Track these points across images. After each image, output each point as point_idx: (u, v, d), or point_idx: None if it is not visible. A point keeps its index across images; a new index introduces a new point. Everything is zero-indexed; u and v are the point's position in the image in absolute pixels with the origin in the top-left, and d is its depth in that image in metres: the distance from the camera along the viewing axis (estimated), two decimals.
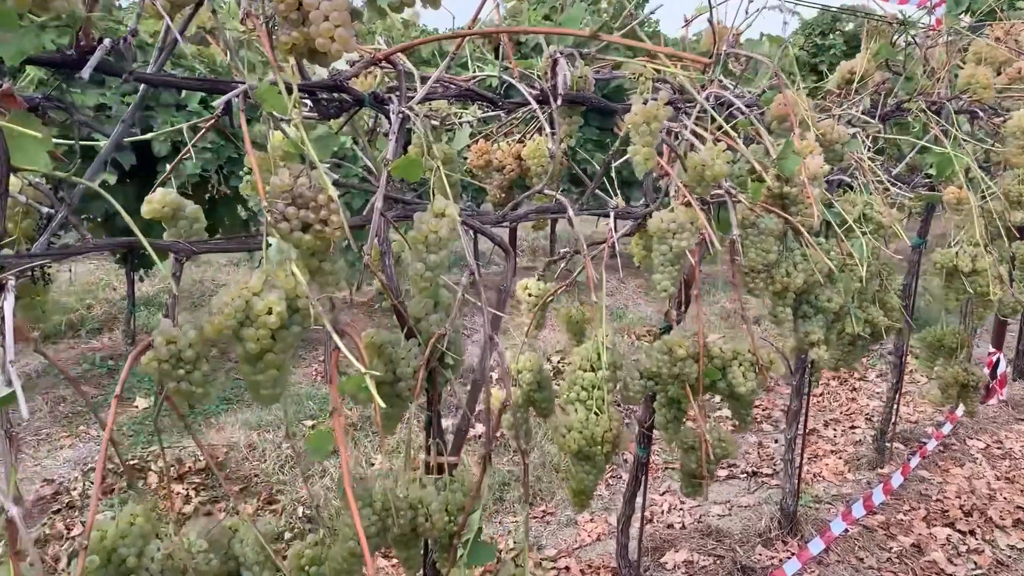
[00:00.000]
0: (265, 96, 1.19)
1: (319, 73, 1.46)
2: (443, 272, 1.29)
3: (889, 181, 3.31)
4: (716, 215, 1.97)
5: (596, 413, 1.75)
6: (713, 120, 2.09)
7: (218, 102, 1.15)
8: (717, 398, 2.38)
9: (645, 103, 1.49)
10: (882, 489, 3.97)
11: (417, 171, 1.32)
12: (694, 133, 1.82)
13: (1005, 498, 4.13)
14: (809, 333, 2.08)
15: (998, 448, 4.86)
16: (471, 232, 1.62)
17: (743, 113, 1.96)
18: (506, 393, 1.99)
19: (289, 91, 1.15)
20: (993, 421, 5.35)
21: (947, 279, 3.57)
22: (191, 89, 1.21)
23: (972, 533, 3.71)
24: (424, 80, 1.50)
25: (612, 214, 1.96)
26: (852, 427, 5.30)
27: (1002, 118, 3.65)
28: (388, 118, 1.42)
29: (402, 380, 1.47)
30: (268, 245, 1.18)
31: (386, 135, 1.72)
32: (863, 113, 2.98)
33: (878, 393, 5.94)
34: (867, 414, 5.55)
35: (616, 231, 1.96)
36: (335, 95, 1.40)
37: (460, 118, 1.53)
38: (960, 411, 5.12)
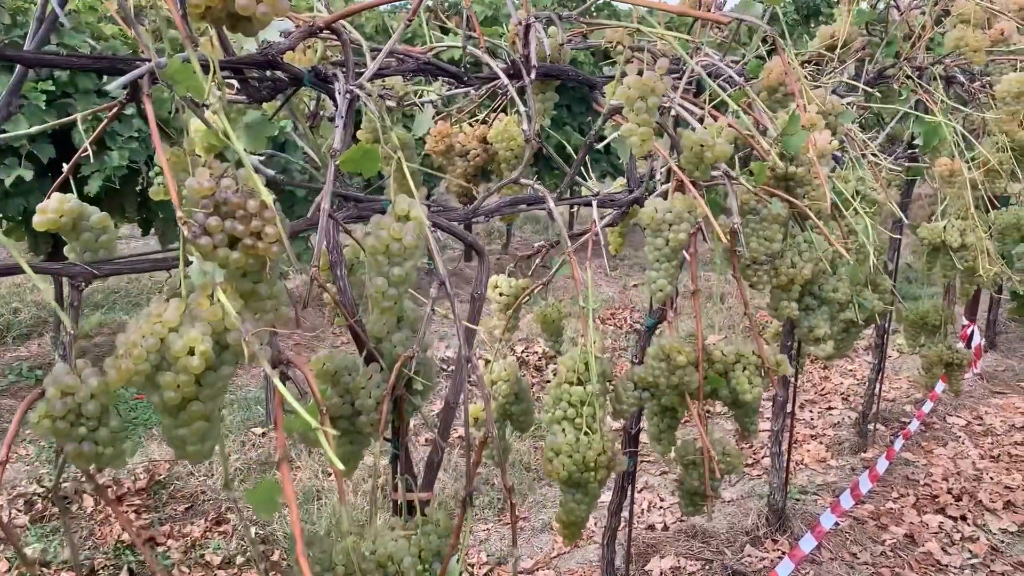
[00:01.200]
0: (176, 76, 0.95)
1: (248, 47, 1.22)
2: (410, 286, 1.07)
3: (875, 155, 3.15)
4: (707, 201, 1.78)
5: (587, 433, 1.55)
6: (702, 92, 1.89)
7: (112, 85, 0.91)
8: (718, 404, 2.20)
9: (640, 73, 1.28)
10: (868, 476, 3.86)
11: (374, 163, 1.10)
12: (684, 108, 1.62)
13: (992, 478, 4.05)
14: (814, 328, 1.90)
15: (979, 424, 4.80)
16: (437, 231, 1.40)
17: (735, 84, 1.77)
18: (484, 408, 1.77)
19: (206, 69, 0.91)
20: (970, 396, 5.31)
21: (931, 255, 3.44)
22: (79, 69, 0.97)
23: (964, 519, 3.62)
24: (375, 53, 1.27)
25: (595, 203, 1.76)
26: (828, 408, 5.20)
27: (980, 83, 3.52)
28: (333, 99, 1.19)
29: (362, 413, 1.25)
30: (188, 264, 0.95)
31: (332, 120, 1.49)
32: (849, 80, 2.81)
33: (851, 371, 5.86)
34: (842, 393, 5.46)
35: (598, 218, 1.76)
36: (267, 73, 1.17)
37: (421, 97, 1.31)
38: (940, 389, 5.05)
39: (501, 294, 2.10)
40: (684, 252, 1.75)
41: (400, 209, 1.02)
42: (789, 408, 3.16)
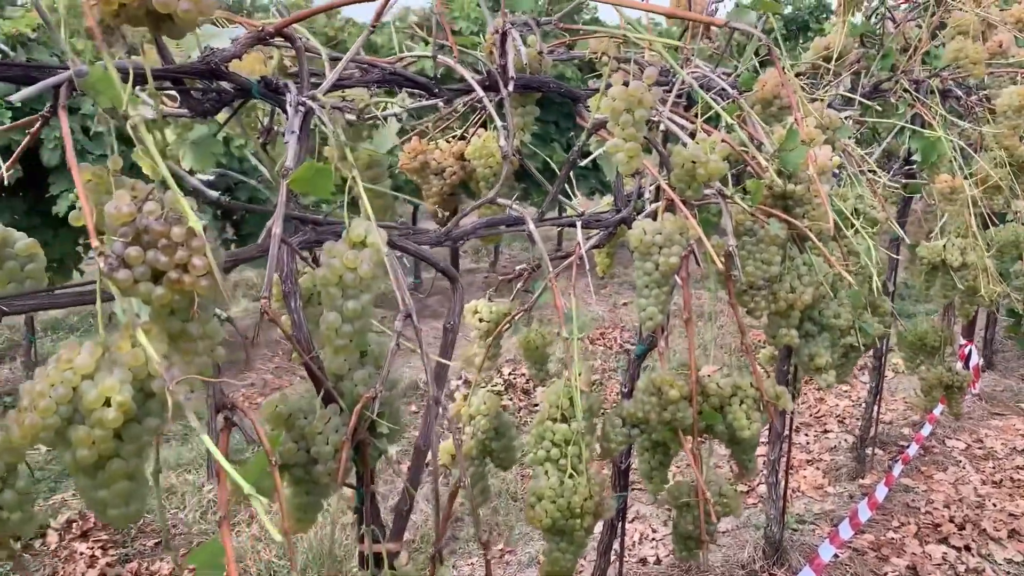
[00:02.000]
0: (98, 85, 0.84)
1: (196, 56, 1.11)
2: (368, 321, 0.96)
3: (873, 171, 3.07)
4: (699, 221, 1.68)
5: (572, 476, 1.43)
6: (692, 106, 1.79)
7: (17, 96, 0.80)
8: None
9: (626, 84, 1.17)
10: (867, 504, 3.75)
11: (326, 183, 0.99)
12: (674, 123, 1.52)
13: (995, 505, 3.95)
14: (814, 356, 1.80)
15: (979, 448, 4.71)
16: (405, 257, 1.29)
17: (728, 96, 1.68)
18: (456, 449, 1.67)
19: (126, 78, 0.81)
20: (970, 417, 5.22)
21: (930, 273, 3.36)
22: None
23: (968, 549, 3.51)
24: (336, 63, 1.16)
25: (579, 224, 1.65)
26: (825, 431, 5.10)
27: (976, 96, 3.45)
28: (285, 112, 1.08)
29: (319, 461, 1.13)
30: (107, 299, 0.84)
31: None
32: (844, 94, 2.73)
33: (846, 392, 5.77)
34: (838, 415, 5.36)
35: (583, 240, 1.65)
36: (211, 83, 1.06)
37: (384, 109, 1.20)
38: (938, 411, 4.95)
39: (481, 320, 1.99)
40: (676, 276, 1.65)
41: (355, 235, 0.91)
42: (786, 433, 3.05)
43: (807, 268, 1.63)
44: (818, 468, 4.43)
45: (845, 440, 4.81)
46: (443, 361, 1.30)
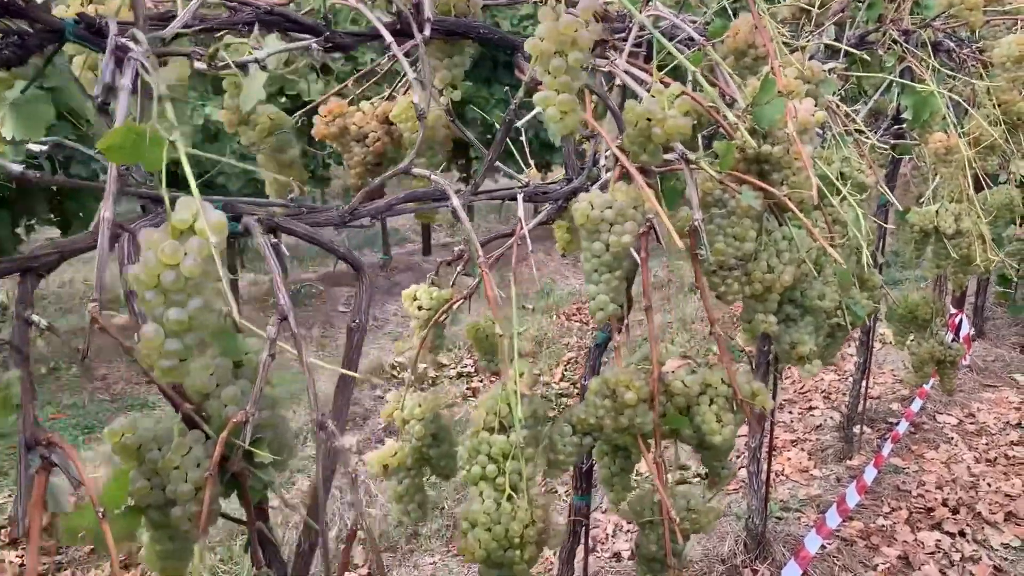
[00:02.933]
0: None
1: None
2: (204, 332, 0.74)
3: (860, 130, 2.88)
4: (661, 189, 1.46)
5: (510, 497, 1.23)
6: (653, 57, 1.58)
7: None
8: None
9: (557, 19, 0.95)
10: (856, 488, 3.59)
11: (155, 151, 0.76)
12: (631, 75, 1.30)
13: (990, 485, 3.80)
14: (797, 343, 1.60)
15: (971, 423, 4.56)
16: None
17: (695, 45, 1.46)
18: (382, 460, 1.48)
19: None
20: (961, 390, 5.08)
21: (921, 241, 3.17)
22: None
23: (962, 534, 3.36)
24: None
25: (520, 196, 1.44)
26: (810, 408, 4.94)
27: (970, 48, 3.25)
28: (118, 63, 0.85)
29: (177, 502, 0.92)
30: None
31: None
32: (828, 46, 2.52)
33: (832, 366, 5.61)
34: (824, 391, 5.21)
35: (528, 216, 1.43)
36: (9, 23, 0.83)
37: (244, 55, 0.96)
38: (929, 385, 4.80)
39: (420, 308, 1.77)
40: (635, 254, 1.44)
41: (179, 220, 0.69)
42: (768, 423, 2.87)
43: (787, 243, 1.42)
44: (803, 449, 4.27)
45: (831, 418, 4.65)
46: (348, 373, 1.09)
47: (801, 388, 5.32)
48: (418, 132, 1.56)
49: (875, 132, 3.10)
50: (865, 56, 2.97)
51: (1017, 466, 4.02)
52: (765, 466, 3.03)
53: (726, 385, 1.39)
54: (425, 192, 1.30)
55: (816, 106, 1.84)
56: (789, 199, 1.34)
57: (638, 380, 1.30)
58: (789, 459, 4.15)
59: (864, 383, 3.96)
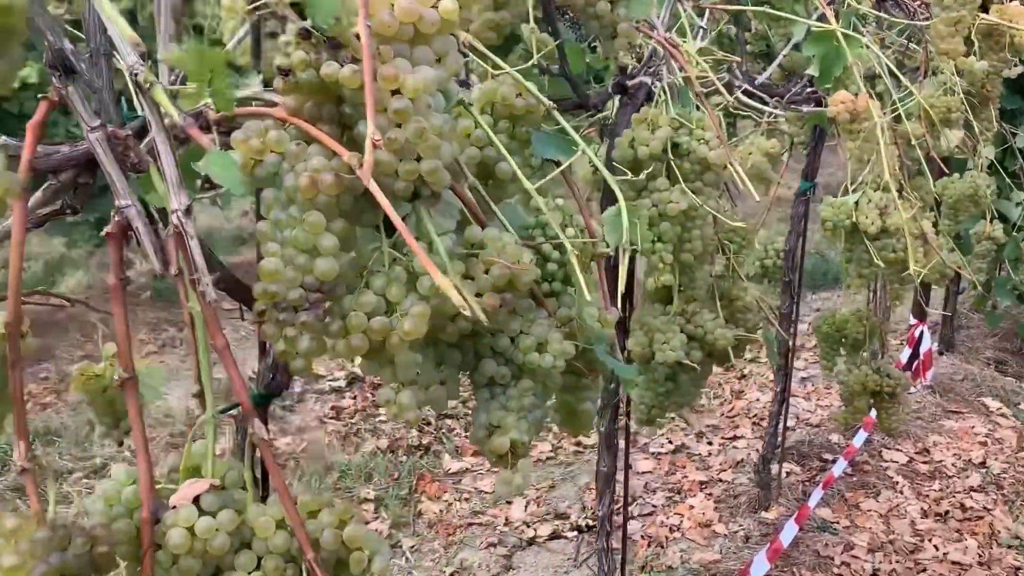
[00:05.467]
0: None
1: None
2: None
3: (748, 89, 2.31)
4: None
5: None
6: None
7: None
8: None
9: None
10: (766, 553, 3.01)
11: None
12: None
13: (937, 548, 3.25)
14: (497, 427, 0.99)
15: (924, 461, 4.02)
16: None
17: None
18: None
19: None
20: (918, 417, 4.53)
21: (850, 238, 2.58)
22: None
23: None
24: None
25: None
26: (734, 438, 4.38)
27: None
28: None
29: None
30: None
31: None
32: None
33: (771, 383, 5.04)
34: (755, 415, 4.64)
35: None
36: None
37: None
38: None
39: None
40: None
41: None
42: (618, 478, 2.25)
43: (407, 259, 0.80)
44: (711, 495, 3.68)
45: (756, 451, 4.08)
46: None
47: (730, 411, 4.75)
48: None
49: (783, 98, 2.51)
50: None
51: (973, 521, 3.48)
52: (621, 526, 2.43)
53: None
54: None
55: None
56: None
57: None
58: (691, 508, 3.56)
59: (782, 419, 3.38)
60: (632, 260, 1.94)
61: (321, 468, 4.26)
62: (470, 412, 5.01)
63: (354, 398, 5.21)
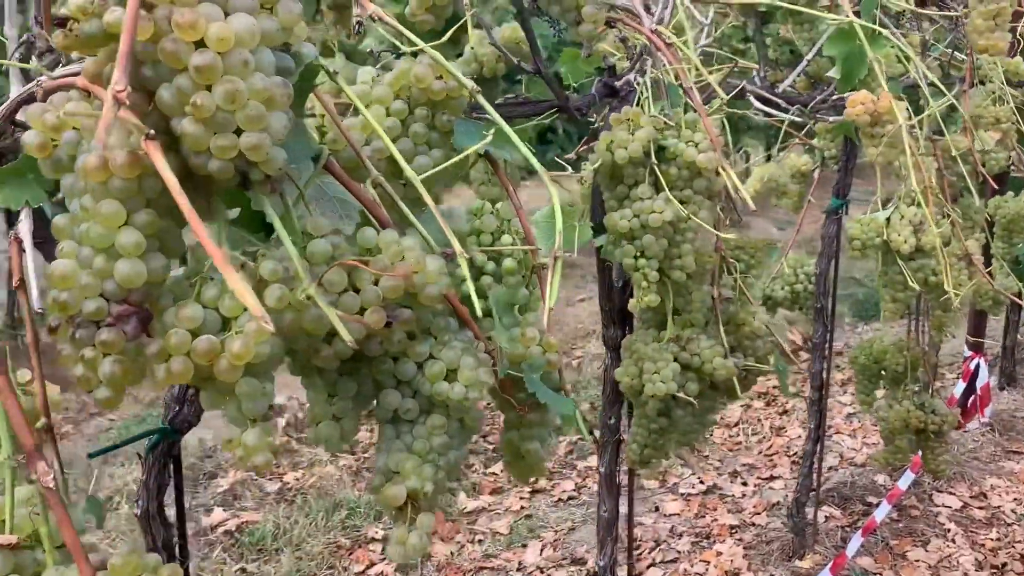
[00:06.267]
0: None
1: None
2: None
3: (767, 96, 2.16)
4: None
5: None
6: None
7: None
8: None
9: None
10: None
11: None
12: None
13: None
14: (394, 472, 0.84)
15: (980, 506, 3.76)
16: None
17: None
18: None
19: None
20: (974, 458, 4.27)
21: (886, 257, 2.41)
22: None
23: None
24: None
25: None
26: (771, 478, 4.15)
27: None
28: None
29: None
30: None
31: None
32: None
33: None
34: (795, 454, 4.41)
35: None
36: None
37: None
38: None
39: None
40: None
41: None
42: (620, 527, 2.08)
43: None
44: (741, 540, 3.47)
45: (793, 492, 3.86)
46: None
47: (768, 449, 4.53)
48: None
49: (807, 105, 2.33)
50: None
51: None
52: None
53: None
54: None
55: None
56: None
57: None
58: (720, 555, 3.36)
59: (817, 459, 3.17)
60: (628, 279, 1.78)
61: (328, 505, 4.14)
62: (490, 446, 4.89)
63: (370, 431, 5.08)
